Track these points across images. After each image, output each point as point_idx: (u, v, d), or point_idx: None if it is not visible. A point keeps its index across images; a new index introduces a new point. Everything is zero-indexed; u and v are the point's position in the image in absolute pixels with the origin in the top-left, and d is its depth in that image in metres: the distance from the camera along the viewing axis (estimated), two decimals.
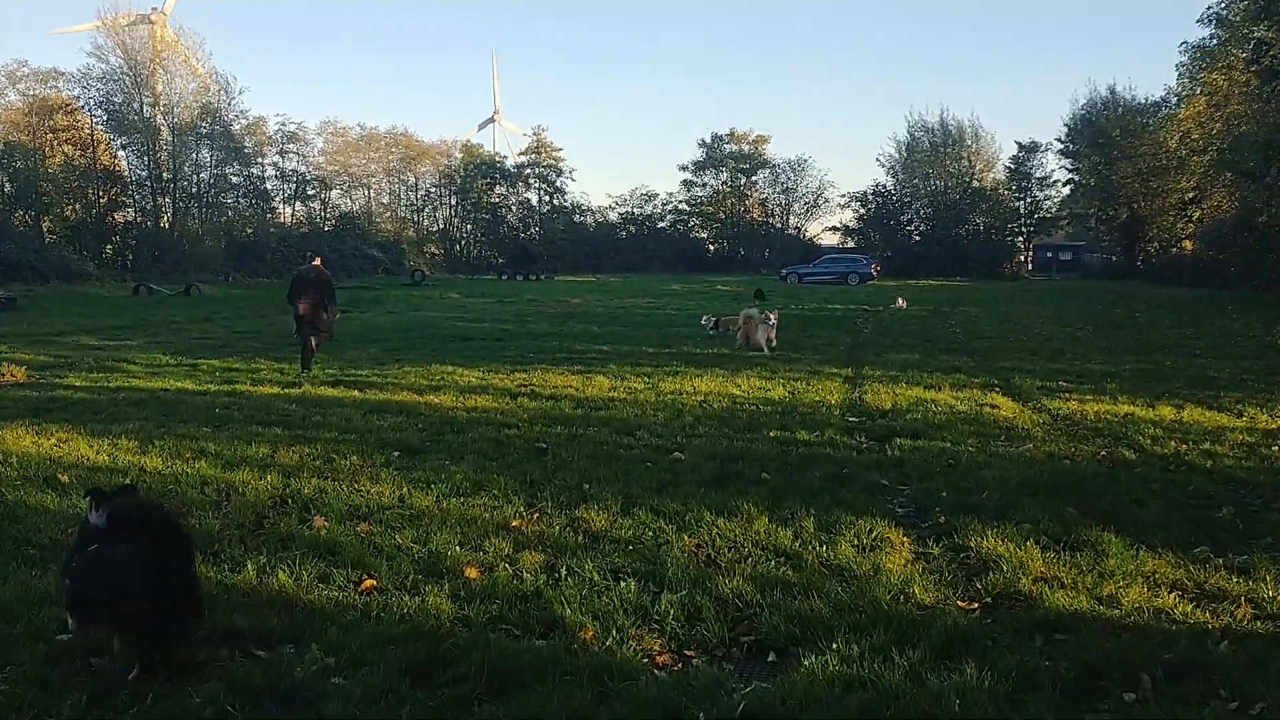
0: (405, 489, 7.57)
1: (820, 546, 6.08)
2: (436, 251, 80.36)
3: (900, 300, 34.00)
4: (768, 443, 9.47)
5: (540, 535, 6.39)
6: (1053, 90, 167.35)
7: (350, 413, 11.15)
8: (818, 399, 12.32)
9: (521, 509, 7.01)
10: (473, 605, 5.19)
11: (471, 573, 5.65)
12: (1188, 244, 58.94)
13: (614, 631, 4.83)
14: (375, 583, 5.53)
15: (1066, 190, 73.17)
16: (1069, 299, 38.75)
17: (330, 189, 75.60)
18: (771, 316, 18.80)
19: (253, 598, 5.33)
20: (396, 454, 8.89)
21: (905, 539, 6.31)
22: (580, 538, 6.35)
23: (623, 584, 5.43)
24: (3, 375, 13.99)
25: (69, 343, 19.97)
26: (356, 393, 12.75)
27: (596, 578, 5.56)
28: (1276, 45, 27.16)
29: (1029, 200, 77.99)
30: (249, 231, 63.32)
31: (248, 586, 5.48)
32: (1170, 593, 5.28)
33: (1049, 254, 76.41)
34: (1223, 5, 41.76)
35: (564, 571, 5.65)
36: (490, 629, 4.91)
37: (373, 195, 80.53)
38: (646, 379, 14.07)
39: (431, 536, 6.33)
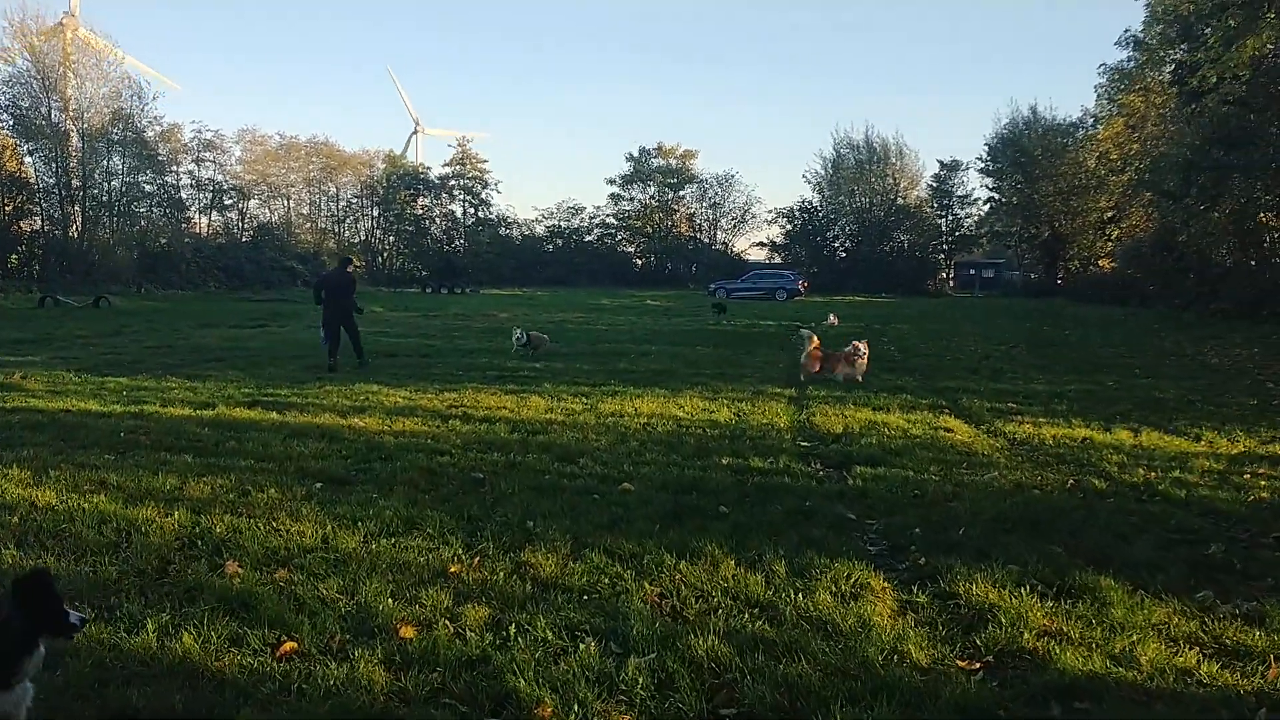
0: (329, 527, 6.81)
1: (796, 595, 5.49)
2: (358, 264, 78.51)
3: (832, 317, 33.70)
4: (721, 471, 8.86)
5: (483, 584, 5.69)
6: (976, 109, 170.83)
7: (268, 437, 10.29)
8: (765, 421, 11.78)
9: (460, 551, 6.30)
10: (410, 674, 4.48)
11: (407, 632, 4.95)
12: (1105, 262, 60.04)
13: (576, 706, 4.19)
14: (296, 645, 4.80)
15: (986, 208, 74.43)
16: (995, 316, 38.99)
17: (248, 199, 74.02)
18: (861, 347, 16.06)
19: (152, 667, 4.57)
20: (319, 486, 8.11)
21: (887, 584, 5.75)
22: (528, 586, 5.66)
23: (581, 646, 4.77)
24: None
25: None
26: (275, 414, 11.88)
27: (550, 637, 4.90)
28: (1200, 67, 27.49)
29: (950, 218, 79.32)
30: (162, 242, 61.14)
31: (146, 652, 4.70)
32: (1190, 649, 4.78)
33: (971, 271, 77.76)
34: (1140, 29, 42.52)
35: (513, 630, 4.97)
36: (432, 704, 4.23)
37: (292, 206, 78.95)
38: (584, 399, 13.41)
39: (360, 586, 5.60)
